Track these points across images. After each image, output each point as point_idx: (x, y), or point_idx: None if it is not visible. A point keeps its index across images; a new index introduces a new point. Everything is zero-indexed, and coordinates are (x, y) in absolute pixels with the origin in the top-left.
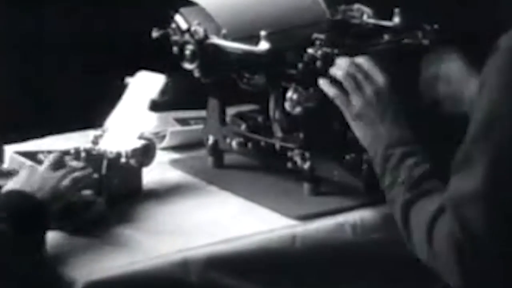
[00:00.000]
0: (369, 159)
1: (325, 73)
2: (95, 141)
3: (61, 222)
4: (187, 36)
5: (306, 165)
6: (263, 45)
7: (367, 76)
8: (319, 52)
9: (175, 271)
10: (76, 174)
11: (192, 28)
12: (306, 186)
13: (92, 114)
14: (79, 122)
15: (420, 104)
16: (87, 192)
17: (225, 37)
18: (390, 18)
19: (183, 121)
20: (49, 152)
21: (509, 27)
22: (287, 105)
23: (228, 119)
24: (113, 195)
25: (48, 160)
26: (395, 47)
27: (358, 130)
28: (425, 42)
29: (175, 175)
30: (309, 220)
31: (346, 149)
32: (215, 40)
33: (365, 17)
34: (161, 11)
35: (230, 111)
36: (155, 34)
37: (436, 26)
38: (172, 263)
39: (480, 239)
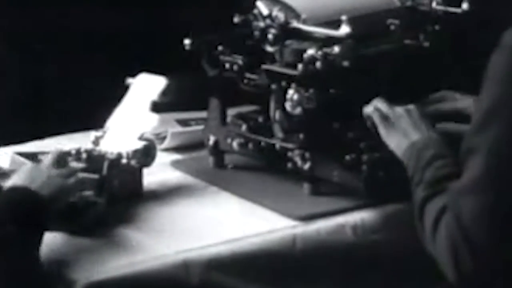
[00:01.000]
0: (370, 160)
1: (325, 74)
2: (96, 142)
3: (62, 223)
4: (268, 21)
5: (307, 166)
6: (344, 29)
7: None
8: (319, 53)
9: (175, 272)
10: (81, 174)
11: (274, 13)
12: (306, 186)
13: (93, 115)
14: (80, 123)
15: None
16: (88, 193)
17: (304, 22)
18: (459, 5)
19: (183, 122)
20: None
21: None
22: (287, 106)
23: (228, 119)
24: (113, 196)
25: (50, 157)
26: (397, 49)
27: (392, 140)
28: (426, 44)
29: (175, 176)
30: (310, 220)
31: (346, 149)
32: (296, 24)
33: (434, 4)
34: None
35: (231, 111)
36: (236, 19)
37: (437, 27)
38: (172, 264)
39: (474, 232)
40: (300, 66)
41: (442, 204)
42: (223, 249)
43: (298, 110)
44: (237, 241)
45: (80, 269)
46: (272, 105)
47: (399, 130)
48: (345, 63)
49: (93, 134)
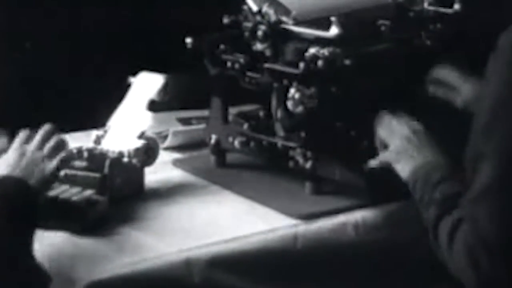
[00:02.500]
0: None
1: (326, 73)
2: (98, 141)
3: (63, 222)
4: (258, 18)
5: (308, 164)
6: (334, 30)
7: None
8: (321, 52)
9: (177, 270)
10: (62, 153)
11: (263, 10)
12: (308, 185)
13: (94, 114)
14: (82, 122)
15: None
16: (89, 192)
17: (295, 18)
18: (450, 6)
19: (185, 121)
20: None
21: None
22: (289, 105)
23: (230, 118)
24: (115, 195)
25: (36, 140)
26: (398, 47)
27: (398, 164)
28: (428, 42)
29: (177, 175)
30: (311, 219)
31: (348, 148)
32: (286, 25)
33: (425, 4)
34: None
35: (233, 110)
36: (225, 20)
37: (439, 26)
38: (174, 263)
39: (490, 239)
40: (301, 64)
41: (457, 217)
42: (224, 248)
43: (299, 109)
44: (239, 240)
45: (82, 268)
46: (273, 103)
47: (405, 154)
48: (347, 62)
49: (94, 133)
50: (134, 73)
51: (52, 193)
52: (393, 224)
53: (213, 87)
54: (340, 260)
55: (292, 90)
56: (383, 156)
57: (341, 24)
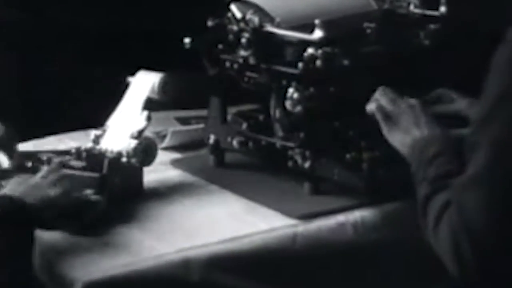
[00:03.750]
0: (370, 158)
1: (325, 73)
2: (96, 141)
3: (62, 221)
4: (242, 25)
5: (307, 164)
6: (318, 33)
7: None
8: (320, 51)
9: (176, 270)
10: (65, 183)
11: (247, 17)
12: (306, 185)
13: (93, 114)
14: (80, 122)
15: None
16: (88, 192)
17: (279, 25)
18: (436, 8)
19: (184, 121)
20: (50, 152)
21: None
22: (288, 104)
23: (229, 118)
24: (114, 195)
25: (46, 169)
26: (396, 47)
27: (395, 138)
28: (426, 42)
29: (176, 175)
30: (310, 219)
31: (347, 148)
32: (270, 28)
33: (411, 7)
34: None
35: (231, 110)
36: (210, 23)
37: (439, 25)
38: (173, 263)
39: (476, 225)
40: (300, 64)
41: (445, 199)
42: (223, 248)
43: (298, 109)
44: (238, 240)
45: (80, 268)
46: (272, 103)
47: (401, 127)
48: (345, 62)
49: (93, 133)
50: (133, 73)
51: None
52: (392, 223)
53: (212, 87)
54: (339, 260)
55: (290, 90)
56: (382, 125)
57: (325, 27)
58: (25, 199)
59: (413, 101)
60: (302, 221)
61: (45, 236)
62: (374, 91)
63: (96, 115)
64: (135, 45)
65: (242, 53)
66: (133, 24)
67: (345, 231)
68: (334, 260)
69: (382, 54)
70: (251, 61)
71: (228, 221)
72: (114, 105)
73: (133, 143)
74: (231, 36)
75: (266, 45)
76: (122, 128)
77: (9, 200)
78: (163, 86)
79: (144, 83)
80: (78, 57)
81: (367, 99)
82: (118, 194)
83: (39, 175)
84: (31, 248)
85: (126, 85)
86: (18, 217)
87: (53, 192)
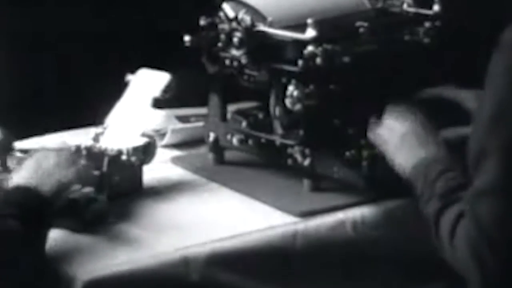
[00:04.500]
0: (370, 156)
1: (325, 70)
2: (96, 139)
3: (62, 219)
4: (234, 24)
5: (307, 162)
6: (310, 33)
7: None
8: (320, 49)
9: (175, 268)
10: (77, 165)
11: (239, 16)
12: (306, 182)
13: (93, 112)
14: (80, 120)
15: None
16: (88, 190)
17: (271, 25)
18: (430, 7)
19: (184, 118)
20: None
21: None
22: (287, 102)
23: (228, 116)
24: (114, 193)
25: (58, 155)
26: (396, 44)
27: (400, 157)
28: (426, 40)
29: (176, 173)
30: (310, 216)
31: (347, 145)
32: (262, 27)
33: (405, 6)
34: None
35: (231, 108)
36: (202, 22)
37: (438, 23)
38: (172, 261)
39: (494, 236)
40: (300, 62)
41: (458, 212)
42: (223, 246)
43: (298, 107)
44: (237, 238)
45: (80, 266)
46: (272, 101)
47: (406, 146)
48: (345, 59)
49: (93, 131)
50: (132, 71)
51: None
52: (392, 221)
53: (212, 84)
54: (339, 257)
55: (290, 88)
56: (385, 150)
57: (317, 26)
58: (40, 190)
59: (419, 117)
60: (301, 218)
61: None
62: (373, 88)
63: (95, 113)
64: (135, 43)
65: (234, 52)
66: (133, 22)
67: (345, 229)
68: (334, 258)
69: (377, 53)
70: (243, 60)
71: (227, 218)
72: (114, 103)
73: (134, 141)
74: (223, 36)
75: (258, 44)
76: (123, 126)
77: (25, 192)
78: (168, 84)
79: (146, 81)
80: (77, 55)
81: (367, 97)
82: (118, 192)
83: (54, 163)
84: (45, 240)
85: (125, 83)
86: (34, 209)
87: (65, 176)
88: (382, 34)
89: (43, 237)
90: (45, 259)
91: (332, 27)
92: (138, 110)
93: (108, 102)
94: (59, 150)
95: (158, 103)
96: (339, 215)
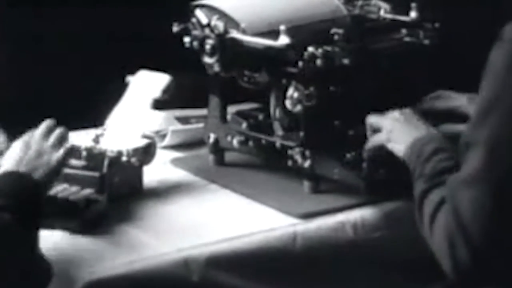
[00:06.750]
0: (370, 158)
1: (325, 71)
2: (96, 140)
3: (62, 221)
4: (207, 31)
5: (307, 163)
6: (283, 40)
7: None
8: (320, 50)
9: (176, 270)
10: (67, 145)
11: (212, 23)
12: (306, 184)
13: (93, 113)
14: (80, 121)
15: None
16: (88, 191)
17: (244, 32)
18: (407, 13)
19: (184, 120)
20: None
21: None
22: (287, 103)
23: (229, 117)
24: (114, 194)
25: (39, 132)
26: (396, 46)
27: (392, 143)
28: (426, 41)
29: (176, 174)
30: (310, 218)
31: (347, 147)
32: (235, 34)
33: (382, 12)
34: (181, 7)
35: (231, 109)
36: (175, 28)
37: (437, 24)
38: (173, 262)
39: (470, 224)
40: (300, 63)
41: (441, 196)
42: (223, 247)
43: (298, 108)
44: (238, 239)
45: (80, 267)
46: (272, 102)
47: (400, 129)
48: (345, 61)
49: (93, 132)
50: (132, 72)
51: (51, 192)
52: (391, 223)
53: (212, 86)
54: (339, 259)
55: (290, 89)
56: (376, 138)
57: (290, 33)
58: (34, 175)
59: (405, 109)
60: (302, 220)
61: (45, 235)
62: (373, 90)
63: (95, 115)
64: (134, 44)
65: (207, 59)
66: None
67: (345, 231)
68: (334, 259)
69: (387, 52)
70: (216, 68)
71: (227, 220)
72: (114, 105)
73: (134, 142)
74: (195, 43)
75: (231, 51)
76: (123, 128)
77: (18, 177)
78: (163, 85)
79: (146, 83)
80: (77, 56)
81: (367, 98)
82: (118, 193)
83: (37, 139)
84: (38, 227)
85: (125, 85)
86: (28, 194)
87: (55, 157)
88: (357, 41)
89: (37, 227)
90: (38, 255)
91: (306, 34)
92: (138, 112)
93: (108, 104)
94: (47, 131)
95: (158, 104)
96: (339, 217)
